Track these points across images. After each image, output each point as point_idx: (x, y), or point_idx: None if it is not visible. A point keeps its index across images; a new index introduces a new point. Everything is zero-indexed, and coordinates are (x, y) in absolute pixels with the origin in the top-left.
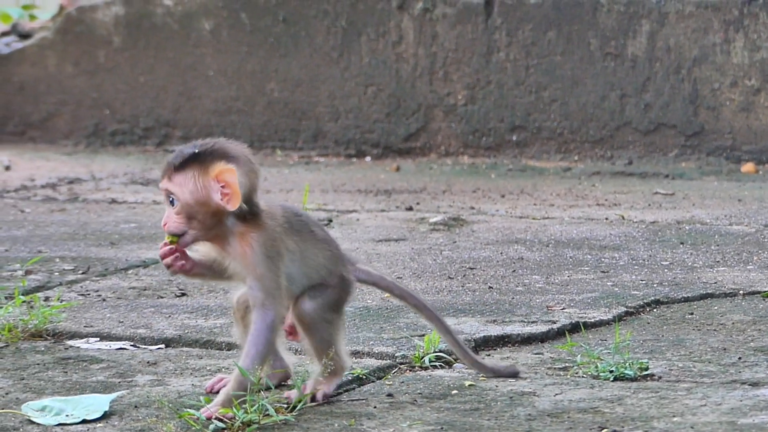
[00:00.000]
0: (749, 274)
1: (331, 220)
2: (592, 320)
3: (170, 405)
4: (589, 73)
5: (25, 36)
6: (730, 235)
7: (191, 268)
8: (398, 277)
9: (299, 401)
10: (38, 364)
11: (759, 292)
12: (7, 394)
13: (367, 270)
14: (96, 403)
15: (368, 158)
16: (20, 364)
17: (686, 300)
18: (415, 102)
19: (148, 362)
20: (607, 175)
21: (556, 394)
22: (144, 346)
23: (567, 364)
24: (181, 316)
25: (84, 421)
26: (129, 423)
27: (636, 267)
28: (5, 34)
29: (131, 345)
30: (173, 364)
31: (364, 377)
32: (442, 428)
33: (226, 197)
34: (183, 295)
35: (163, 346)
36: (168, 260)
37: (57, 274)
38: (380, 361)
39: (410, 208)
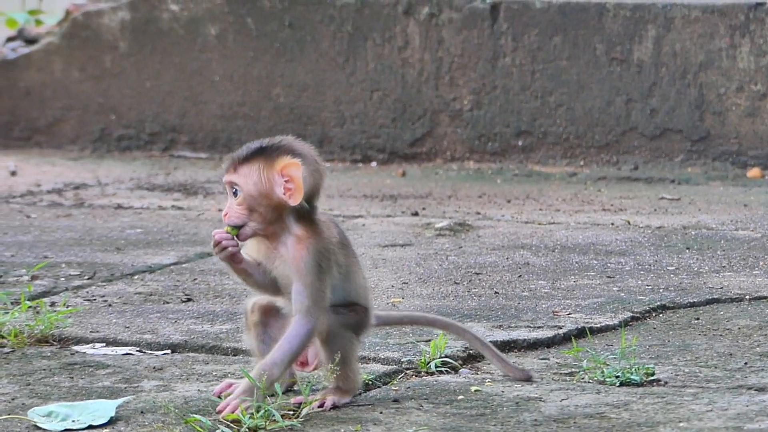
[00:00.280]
0: (755, 279)
1: None
2: (598, 325)
3: (176, 410)
4: (595, 78)
5: (31, 41)
6: (736, 240)
7: (240, 260)
8: (404, 283)
9: (307, 405)
10: (44, 369)
11: (765, 298)
12: (13, 399)
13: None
14: (102, 409)
15: (374, 163)
16: (26, 370)
17: (692, 305)
18: (421, 107)
19: (154, 368)
20: (612, 180)
21: (563, 400)
22: (150, 352)
23: (573, 370)
24: (187, 321)
25: (90, 427)
26: (135, 428)
27: (642, 272)
28: (11, 39)
29: (137, 350)
30: (179, 369)
31: (370, 382)
32: None
33: (288, 192)
34: (189, 300)
35: (169, 351)
36: (224, 242)
37: (63, 279)
38: (386, 366)
39: (416, 214)
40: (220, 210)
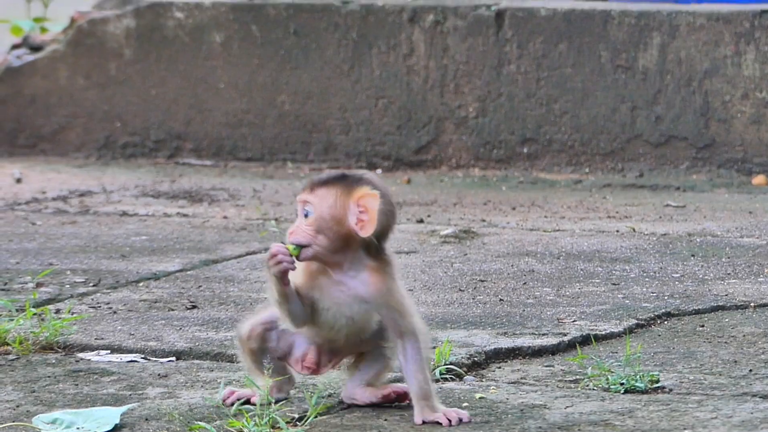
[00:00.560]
0: (760, 286)
1: None
2: (603, 332)
3: (181, 418)
4: (600, 85)
5: (36, 48)
6: (741, 248)
7: (288, 281)
8: (409, 290)
9: (314, 413)
10: (49, 376)
11: None
12: (18, 406)
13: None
14: (107, 416)
15: (379, 171)
16: (31, 377)
17: (697, 312)
18: (426, 114)
19: (158, 375)
20: (618, 187)
21: (567, 407)
22: (155, 359)
23: (578, 377)
24: (191, 328)
25: None
26: None
27: (647, 279)
28: (16, 46)
29: (142, 357)
30: (184, 376)
31: None
32: None
33: (361, 223)
34: (194, 307)
35: (173, 358)
36: (280, 257)
37: (68, 286)
38: (391, 373)
39: (421, 221)
40: (225, 217)
